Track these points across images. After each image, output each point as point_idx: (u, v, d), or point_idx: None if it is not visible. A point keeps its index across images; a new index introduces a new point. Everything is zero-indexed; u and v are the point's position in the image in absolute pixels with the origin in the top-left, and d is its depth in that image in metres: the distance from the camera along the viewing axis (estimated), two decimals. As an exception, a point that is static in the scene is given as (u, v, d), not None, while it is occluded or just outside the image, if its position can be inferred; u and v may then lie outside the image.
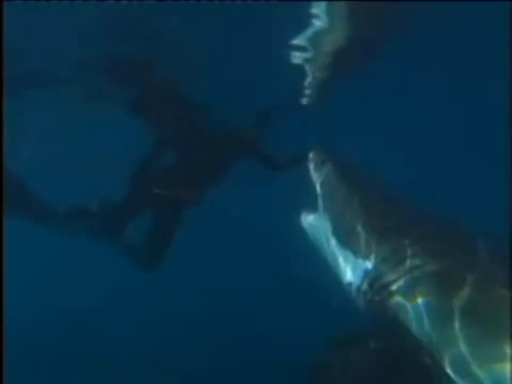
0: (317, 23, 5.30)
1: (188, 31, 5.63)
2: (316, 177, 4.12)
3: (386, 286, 3.09)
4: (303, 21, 5.32)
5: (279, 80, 7.56)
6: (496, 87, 9.06)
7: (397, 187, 3.90)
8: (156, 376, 7.96)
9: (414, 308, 2.90)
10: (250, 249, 12.36)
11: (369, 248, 3.34)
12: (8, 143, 6.26)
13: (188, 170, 5.89)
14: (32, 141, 10.52)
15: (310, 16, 5.11)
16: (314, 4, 4.83)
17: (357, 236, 3.45)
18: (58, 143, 11.46)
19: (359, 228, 3.47)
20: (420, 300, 2.89)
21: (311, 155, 4.28)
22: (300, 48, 6.34)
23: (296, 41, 6.10)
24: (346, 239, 3.54)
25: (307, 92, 8.55)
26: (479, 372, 2.56)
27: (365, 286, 3.23)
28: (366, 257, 3.32)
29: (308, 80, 7.84)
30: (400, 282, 3.04)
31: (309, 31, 5.63)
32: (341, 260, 3.52)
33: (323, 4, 4.81)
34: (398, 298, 3.00)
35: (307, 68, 7.21)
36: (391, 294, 3.04)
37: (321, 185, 4.04)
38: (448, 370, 2.67)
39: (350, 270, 3.42)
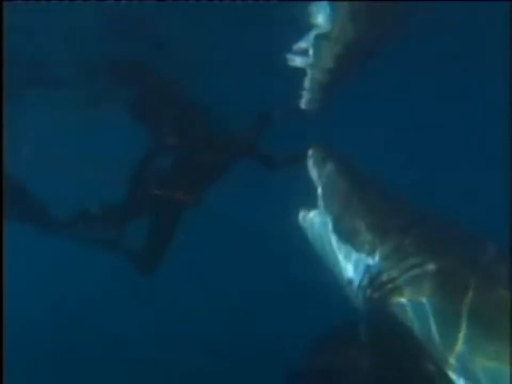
0: (319, 26, 5.29)
1: (188, 31, 5.63)
2: (316, 174, 4.10)
3: (387, 283, 3.09)
4: (305, 23, 5.31)
5: (280, 81, 7.54)
6: (496, 87, 9.06)
7: (396, 187, 3.90)
8: (154, 376, 7.98)
9: (414, 306, 2.90)
10: (250, 249, 12.36)
11: (371, 246, 3.34)
12: (8, 146, 6.26)
13: (187, 170, 5.88)
14: (31, 143, 10.52)
15: (312, 18, 5.10)
16: (317, 6, 4.82)
17: (359, 233, 3.45)
18: (57, 145, 11.47)
19: (361, 225, 3.47)
20: (420, 298, 2.89)
21: (310, 152, 4.27)
22: (302, 51, 6.31)
23: (297, 43, 6.08)
24: (347, 236, 3.54)
25: (308, 95, 8.52)
26: (478, 372, 2.57)
27: (365, 283, 3.23)
28: (367, 254, 3.32)
29: (309, 82, 7.81)
30: (401, 280, 3.04)
31: (311, 34, 5.62)
32: (341, 256, 3.52)
33: (327, 6, 4.80)
34: (398, 296, 3.00)
35: (308, 70, 7.18)
36: (392, 291, 3.04)
37: (322, 183, 4.02)
38: (447, 371, 2.67)
39: (351, 266, 3.42)
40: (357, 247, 3.41)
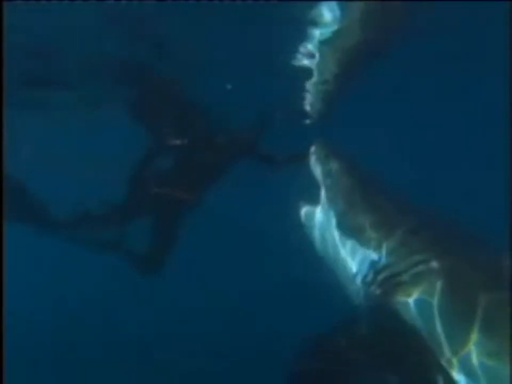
0: (326, 25, 5.25)
1: (189, 31, 5.61)
2: (319, 171, 4.13)
3: (392, 279, 3.11)
4: (309, 23, 5.27)
5: (282, 82, 7.52)
6: (496, 87, 9.06)
7: (397, 187, 3.91)
8: (155, 376, 7.98)
9: (418, 302, 2.91)
10: (250, 249, 12.36)
11: (376, 242, 3.35)
12: (8, 146, 6.26)
13: (188, 170, 5.88)
14: (31, 144, 10.52)
15: (318, 17, 5.08)
16: (325, 6, 4.80)
17: (364, 229, 3.46)
18: (57, 145, 11.47)
19: (366, 222, 3.49)
20: (424, 295, 2.90)
21: (313, 149, 4.29)
22: (306, 51, 6.28)
23: (301, 44, 6.04)
24: (352, 232, 3.55)
25: (311, 97, 8.49)
26: (480, 370, 2.57)
27: (370, 279, 3.24)
28: (372, 250, 3.34)
29: (313, 84, 7.77)
30: (406, 277, 3.05)
31: (316, 34, 5.59)
32: (345, 252, 3.53)
33: (335, 5, 4.78)
34: (402, 292, 3.01)
35: (312, 71, 7.14)
36: (397, 287, 3.05)
37: (325, 179, 4.04)
38: (449, 368, 2.68)
39: (356, 262, 3.43)
40: (362, 243, 3.43)
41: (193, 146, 5.91)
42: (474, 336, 2.63)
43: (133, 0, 4.47)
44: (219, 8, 4.63)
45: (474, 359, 2.59)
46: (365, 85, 8.28)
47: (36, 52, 6.10)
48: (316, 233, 3.94)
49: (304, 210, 4.12)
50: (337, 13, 4.91)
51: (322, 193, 4.00)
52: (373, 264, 3.28)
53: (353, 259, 3.47)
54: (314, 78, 7.39)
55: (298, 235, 4.14)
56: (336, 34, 5.44)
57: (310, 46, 6.03)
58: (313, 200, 4.05)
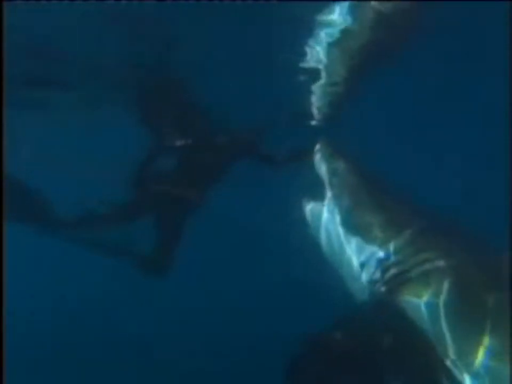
0: (334, 25, 5.20)
1: (197, 31, 5.58)
2: (324, 169, 4.15)
3: (398, 276, 3.11)
4: (316, 23, 5.23)
5: (286, 84, 7.47)
6: (496, 87, 9.05)
7: (400, 187, 3.93)
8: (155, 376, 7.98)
9: (423, 300, 2.93)
10: (251, 249, 12.36)
11: (383, 239, 3.38)
12: (9, 146, 6.25)
13: (190, 170, 5.89)
14: (31, 144, 10.50)
15: (326, 16, 5.04)
16: (335, 5, 4.77)
17: (371, 227, 3.48)
18: (57, 145, 11.46)
19: (373, 220, 3.50)
20: (430, 293, 2.93)
21: (318, 148, 4.32)
22: (312, 52, 6.22)
23: (309, 45, 5.97)
24: (358, 230, 3.57)
25: (317, 100, 8.43)
26: (482, 368, 2.58)
27: (376, 276, 3.24)
28: (379, 247, 3.35)
29: (319, 87, 7.72)
30: (412, 275, 3.06)
31: (323, 34, 5.54)
32: (350, 250, 3.54)
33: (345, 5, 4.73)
34: (408, 290, 3.03)
35: (319, 73, 7.11)
36: (403, 284, 3.06)
37: (330, 177, 4.06)
38: (452, 365, 2.68)
39: (361, 260, 3.44)
40: (369, 241, 3.44)
41: (195, 146, 5.93)
42: (480, 336, 2.64)
43: (133, 0, 4.46)
44: (221, 8, 4.62)
45: (480, 359, 2.60)
46: (373, 87, 8.21)
47: (37, 52, 6.09)
48: (321, 231, 3.95)
49: (308, 208, 4.14)
50: (347, 13, 4.88)
51: (327, 191, 4.02)
52: (379, 262, 3.30)
53: (359, 257, 3.48)
54: (322, 80, 7.31)
55: (302, 234, 4.14)
56: (344, 35, 5.39)
57: (317, 47, 5.96)
58: (317, 198, 4.07)
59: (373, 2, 4.66)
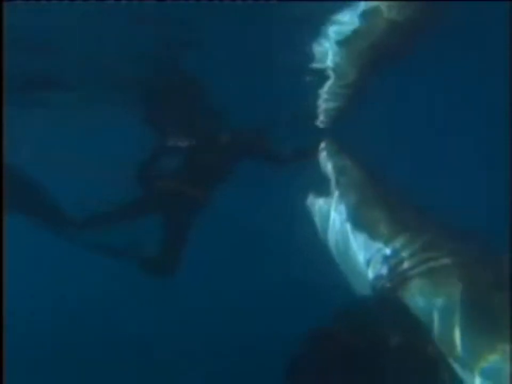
0: (343, 24, 5.14)
1: (204, 31, 5.55)
2: (330, 166, 4.18)
3: (404, 272, 3.13)
4: (323, 23, 5.18)
5: (291, 84, 7.44)
6: (496, 86, 9.06)
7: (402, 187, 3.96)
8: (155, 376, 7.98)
9: (428, 297, 2.94)
10: (253, 248, 12.36)
11: (389, 236, 3.39)
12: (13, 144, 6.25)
13: (194, 169, 5.91)
14: (32, 144, 10.51)
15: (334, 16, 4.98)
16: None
17: (377, 223, 3.50)
18: (59, 145, 11.47)
19: (380, 216, 3.52)
20: (435, 291, 2.94)
21: (323, 145, 4.36)
22: (319, 53, 6.15)
23: (316, 46, 5.88)
24: (364, 226, 3.58)
25: (323, 102, 8.40)
26: (482, 364, 2.59)
27: (381, 272, 3.26)
28: (385, 244, 3.36)
29: (326, 88, 7.69)
30: (418, 272, 3.07)
31: (331, 34, 5.47)
32: (357, 245, 3.55)
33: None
34: (413, 287, 3.03)
35: (325, 74, 7.08)
36: (408, 280, 3.07)
37: (336, 173, 4.09)
38: (453, 362, 2.69)
39: (367, 256, 3.46)
40: (374, 236, 3.45)
41: (199, 145, 5.95)
42: (486, 334, 2.65)
43: (133, 0, 4.46)
44: (228, 8, 4.61)
45: (485, 357, 2.61)
46: (380, 88, 8.18)
47: (40, 51, 6.08)
48: (326, 228, 3.98)
49: (313, 206, 4.17)
50: (357, 15, 4.84)
51: (333, 188, 4.05)
52: (385, 258, 3.31)
53: (365, 253, 3.50)
54: (329, 81, 7.29)
55: (306, 232, 4.16)
56: (354, 36, 5.34)
57: (325, 48, 5.89)
58: (323, 195, 4.11)
59: (384, 10, 4.65)
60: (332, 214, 3.94)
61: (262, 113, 6.35)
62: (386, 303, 3.10)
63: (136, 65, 6.64)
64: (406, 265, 3.17)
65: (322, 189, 4.11)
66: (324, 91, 7.77)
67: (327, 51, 5.94)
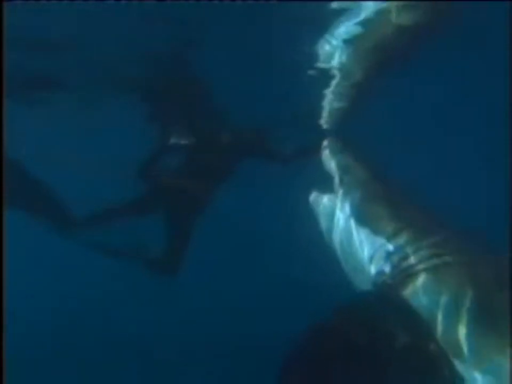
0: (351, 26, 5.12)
1: (209, 30, 5.54)
2: (334, 163, 4.21)
3: (407, 269, 3.13)
4: (329, 23, 5.17)
5: (295, 84, 7.42)
6: (497, 86, 9.05)
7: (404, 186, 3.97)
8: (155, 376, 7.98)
9: (430, 294, 2.95)
10: (254, 248, 12.36)
11: (393, 232, 3.40)
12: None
13: (197, 168, 5.93)
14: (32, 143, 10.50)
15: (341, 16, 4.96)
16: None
17: (381, 219, 3.51)
18: (59, 145, 11.46)
19: (384, 212, 3.54)
20: (437, 288, 2.94)
21: (327, 142, 4.39)
22: (324, 53, 6.14)
23: (321, 46, 5.88)
24: (368, 222, 3.60)
25: (328, 102, 8.36)
26: (482, 361, 2.60)
27: (384, 268, 3.27)
28: (388, 240, 3.37)
29: (331, 89, 7.66)
30: (421, 269, 3.08)
31: (337, 35, 5.45)
32: (360, 241, 3.57)
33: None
34: (416, 283, 3.04)
35: (331, 74, 7.01)
36: (411, 278, 3.08)
37: (340, 170, 4.12)
38: (454, 359, 2.70)
39: (370, 252, 3.47)
40: (378, 233, 3.47)
41: (203, 144, 5.97)
42: (487, 332, 2.66)
43: (133, 0, 4.46)
44: (232, 7, 4.61)
45: (484, 354, 2.63)
46: (385, 88, 8.15)
47: (42, 50, 6.09)
48: (329, 226, 4.00)
49: (316, 202, 4.20)
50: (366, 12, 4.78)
51: (337, 186, 4.08)
52: (388, 255, 3.32)
53: (368, 249, 3.51)
54: (335, 81, 7.27)
55: (309, 231, 4.18)
56: (360, 36, 5.31)
57: (330, 47, 5.86)
58: (326, 193, 4.13)
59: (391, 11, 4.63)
60: (335, 211, 3.98)
61: (264, 113, 6.34)
62: (388, 299, 3.12)
63: (138, 64, 6.65)
64: (408, 262, 3.19)
65: (326, 186, 4.15)
66: (329, 91, 7.76)
67: (333, 51, 5.93)
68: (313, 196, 4.27)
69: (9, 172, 5.20)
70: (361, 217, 3.69)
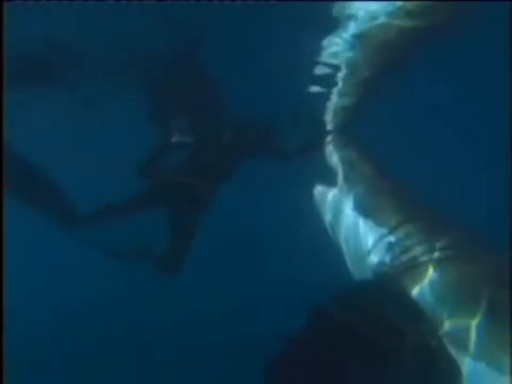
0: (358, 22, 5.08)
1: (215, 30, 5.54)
2: (338, 157, 4.27)
3: (408, 261, 3.17)
4: (336, 22, 5.15)
5: (298, 86, 7.41)
6: (497, 87, 9.06)
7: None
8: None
9: (429, 286, 3.01)
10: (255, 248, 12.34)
11: (395, 225, 3.48)
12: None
13: (200, 165, 5.94)
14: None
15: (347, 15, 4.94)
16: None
17: (383, 212, 3.57)
18: (60, 143, 11.46)
19: (386, 205, 3.60)
20: (437, 279, 3.00)
21: (331, 138, 4.47)
22: (329, 54, 6.12)
23: (331, 43, 5.81)
24: (370, 215, 3.65)
25: (331, 103, 8.34)
26: (475, 348, 2.63)
27: (388, 258, 3.31)
28: (390, 232, 3.42)
29: (335, 90, 7.65)
30: (421, 260, 3.11)
31: (344, 35, 5.45)
32: (363, 233, 3.62)
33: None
34: (415, 275, 3.10)
35: (338, 76, 6.99)
36: (410, 269, 3.11)
37: (344, 165, 4.19)
38: (449, 346, 2.73)
39: (371, 243, 3.51)
40: (380, 225, 3.52)
41: (206, 141, 5.99)
42: (479, 321, 2.69)
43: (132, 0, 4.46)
44: (236, 7, 4.61)
45: (478, 342, 2.67)
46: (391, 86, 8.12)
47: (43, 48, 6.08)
48: (331, 216, 4.05)
49: (320, 195, 4.25)
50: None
51: (340, 179, 4.15)
52: (390, 246, 3.36)
53: (369, 239, 3.57)
54: (340, 78, 7.26)
55: (312, 227, 4.21)
56: (368, 34, 5.30)
57: (337, 44, 5.82)
58: (330, 186, 4.19)
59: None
60: (338, 203, 4.04)
61: (267, 110, 6.33)
62: (388, 288, 3.16)
63: (142, 63, 6.66)
64: (409, 254, 3.23)
65: (330, 181, 4.20)
66: (334, 89, 7.76)
67: (339, 48, 5.92)
68: (317, 190, 4.34)
69: (10, 164, 5.23)
70: (364, 209, 3.77)
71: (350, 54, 6.00)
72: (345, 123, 9.08)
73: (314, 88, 7.65)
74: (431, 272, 3.06)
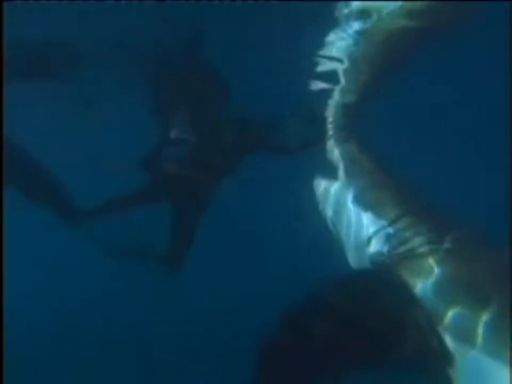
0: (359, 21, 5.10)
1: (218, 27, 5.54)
2: (339, 151, 4.33)
3: (405, 252, 3.21)
4: (338, 21, 5.16)
5: (299, 86, 7.40)
6: (497, 87, 9.06)
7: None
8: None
9: (428, 277, 3.07)
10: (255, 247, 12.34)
11: (394, 217, 3.58)
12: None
13: (203, 162, 5.95)
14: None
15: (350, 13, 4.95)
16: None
17: (383, 205, 3.63)
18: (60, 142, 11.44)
19: (386, 198, 3.66)
20: (434, 271, 3.07)
21: (332, 133, 4.52)
22: (332, 53, 6.14)
23: (331, 48, 5.91)
24: (370, 207, 3.71)
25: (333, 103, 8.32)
26: (469, 335, 2.65)
27: (386, 249, 3.36)
28: (389, 224, 3.47)
29: (338, 90, 7.63)
30: (419, 251, 3.16)
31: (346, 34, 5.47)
32: (363, 225, 3.67)
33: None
34: (412, 266, 3.19)
35: (338, 75, 6.94)
36: (408, 259, 3.16)
37: (344, 159, 4.25)
38: (445, 333, 2.76)
39: (373, 234, 3.56)
40: (380, 217, 3.57)
41: (208, 137, 5.99)
42: (474, 310, 2.72)
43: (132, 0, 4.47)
44: (238, 6, 4.62)
45: (473, 329, 2.69)
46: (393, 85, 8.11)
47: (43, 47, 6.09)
48: (332, 208, 4.10)
49: (316, 185, 4.31)
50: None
51: (341, 173, 4.20)
52: (388, 237, 3.41)
53: (368, 231, 3.61)
54: (342, 76, 7.22)
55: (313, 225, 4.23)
56: (370, 32, 5.32)
57: (339, 42, 5.86)
58: (331, 179, 4.24)
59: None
60: (338, 195, 4.09)
61: (270, 106, 6.32)
62: (384, 277, 3.19)
63: (140, 62, 6.67)
64: (406, 245, 3.28)
65: (331, 175, 4.24)
66: (336, 87, 7.75)
67: (341, 46, 5.93)
68: (319, 184, 4.38)
69: (11, 156, 5.24)
70: (364, 201, 3.83)
71: (352, 51, 6.00)
72: (346, 120, 9.08)
73: (316, 85, 7.65)
74: (429, 263, 3.11)
